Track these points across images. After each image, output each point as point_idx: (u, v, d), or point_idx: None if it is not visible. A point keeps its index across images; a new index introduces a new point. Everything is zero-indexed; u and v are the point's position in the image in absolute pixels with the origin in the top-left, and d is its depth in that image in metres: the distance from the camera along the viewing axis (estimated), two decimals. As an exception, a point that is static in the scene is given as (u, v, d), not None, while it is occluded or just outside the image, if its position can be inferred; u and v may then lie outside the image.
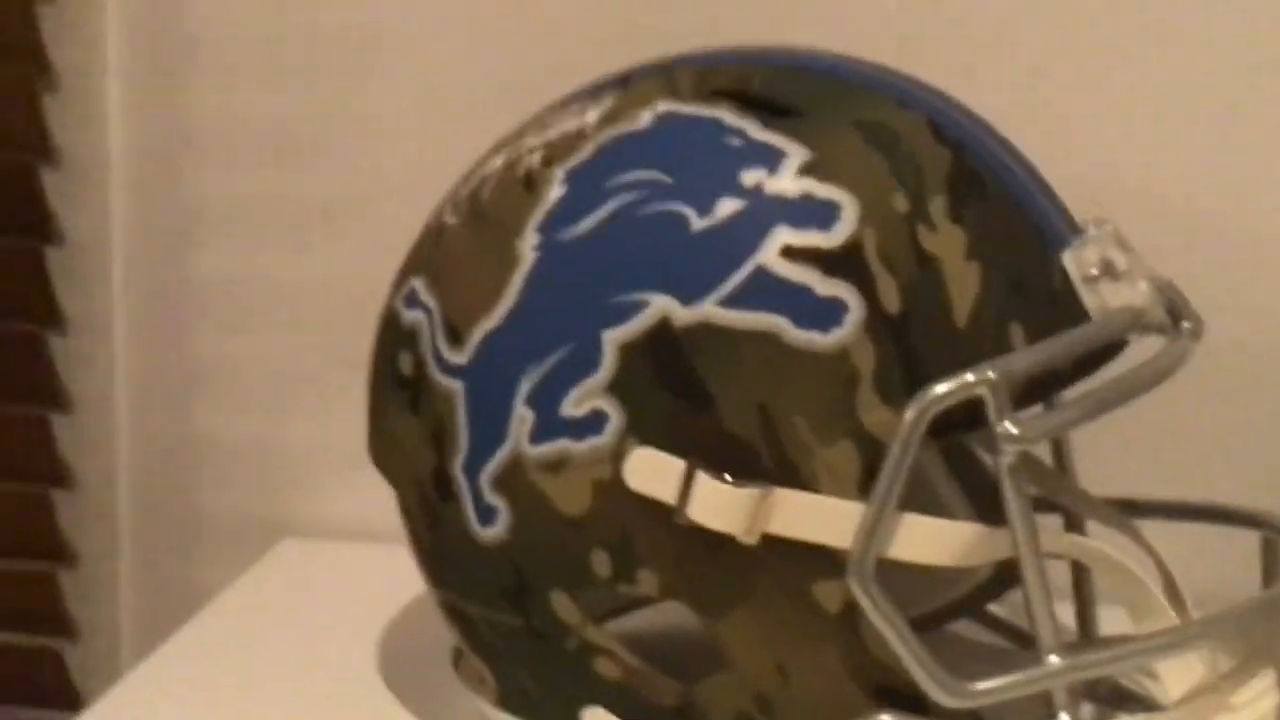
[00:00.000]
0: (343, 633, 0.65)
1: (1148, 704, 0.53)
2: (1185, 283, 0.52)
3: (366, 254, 0.58)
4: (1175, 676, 0.48)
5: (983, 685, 0.45)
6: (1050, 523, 0.58)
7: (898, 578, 0.51)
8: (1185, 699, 0.48)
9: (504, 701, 0.53)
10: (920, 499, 0.51)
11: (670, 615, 0.55)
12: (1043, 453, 0.61)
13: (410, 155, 0.73)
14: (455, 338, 0.51)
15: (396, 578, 0.58)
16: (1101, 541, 0.56)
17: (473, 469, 0.50)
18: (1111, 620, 0.56)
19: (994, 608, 0.63)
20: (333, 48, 0.75)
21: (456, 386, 0.50)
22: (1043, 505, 0.60)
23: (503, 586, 0.50)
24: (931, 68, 0.52)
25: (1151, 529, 0.56)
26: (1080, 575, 0.61)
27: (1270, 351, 0.69)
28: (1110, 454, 0.61)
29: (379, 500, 0.56)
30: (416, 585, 0.55)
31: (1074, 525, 0.60)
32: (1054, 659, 0.45)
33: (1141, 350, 0.51)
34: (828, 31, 0.56)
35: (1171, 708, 0.48)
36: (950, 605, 0.63)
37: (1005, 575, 0.57)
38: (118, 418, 0.79)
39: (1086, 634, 0.59)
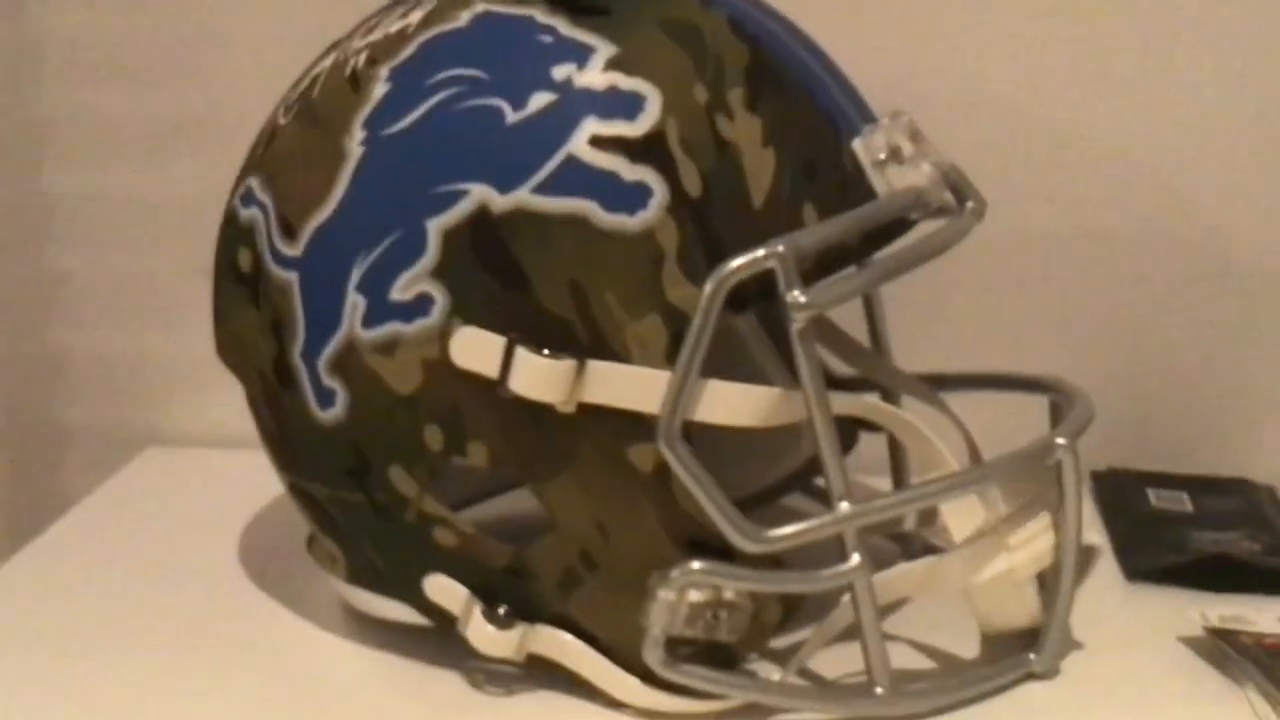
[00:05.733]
0: (204, 530, 0.68)
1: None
2: (988, 174, 0.56)
3: (217, 167, 0.60)
4: (959, 522, 0.53)
5: (780, 531, 0.50)
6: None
7: (731, 455, 0.56)
8: (967, 541, 0.53)
9: (353, 576, 0.57)
10: (741, 369, 0.55)
11: (510, 500, 0.59)
12: (862, 337, 0.66)
13: (257, 70, 0.73)
14: (289, 231, 0.53)
15: (257, 479, 0.60)
16: (907, 410, 0.61)
17: (310, 355, 0.53)
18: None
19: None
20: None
21: (292, 277, 0.53)
22: (861, 384, 0.66)
23: (344, 465, 0.53)
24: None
25: (959, 400, 0.62)
26: (895, 448, 0.66)
27: (1067, 240, 0.74)
28: (922, 335, 0.66)
29: (241, 405, 0.58)
30: (276, 485, 0.58)
31: (890, 400, 0.65)
32: (844, 505, 0.50)
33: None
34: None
35: (954, 549, 0.53)
36: (783, 480, 0.68)
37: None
38: (-27, 336, 0.80)
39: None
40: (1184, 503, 0.71)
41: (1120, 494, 0.72)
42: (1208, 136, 0.73)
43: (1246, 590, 0.62)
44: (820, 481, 0.66)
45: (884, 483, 0.66)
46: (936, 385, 0.62)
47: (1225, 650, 0.56)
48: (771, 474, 0.68)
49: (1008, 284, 0.74)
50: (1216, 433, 0.76)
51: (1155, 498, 0.72)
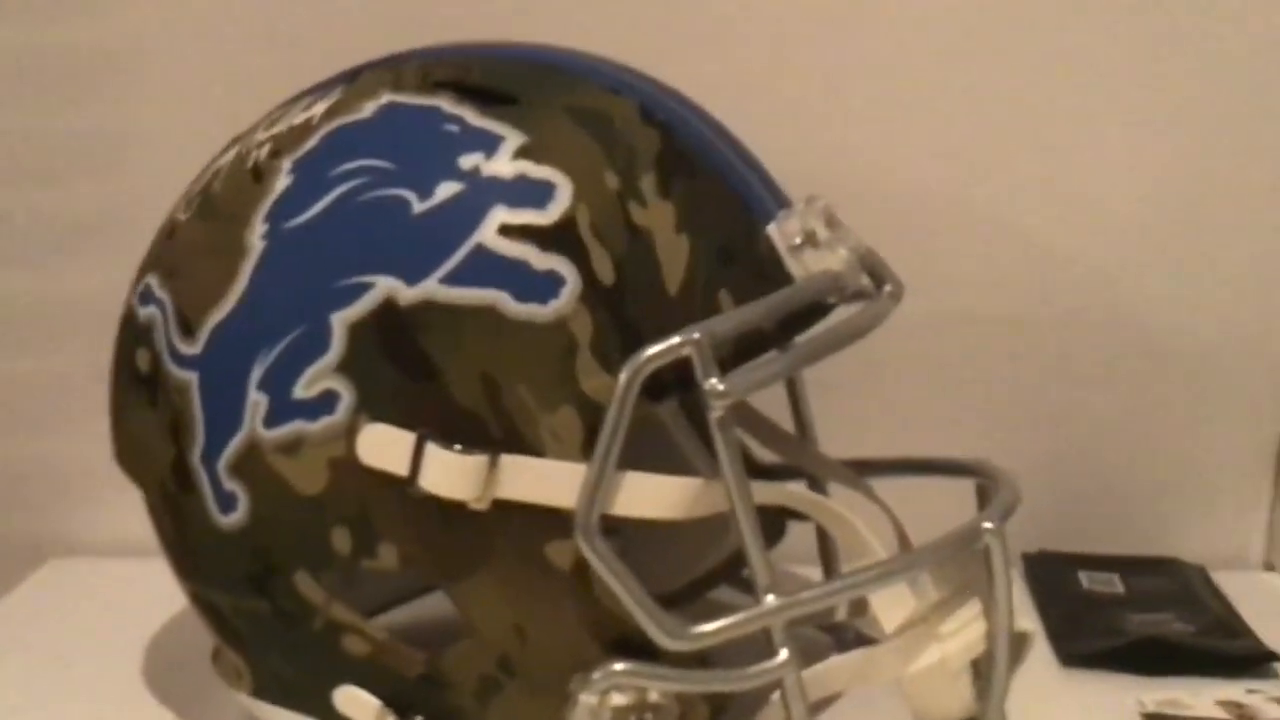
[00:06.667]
0: (107, 646, 0.65)
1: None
2: (911, 260, 0.56)
3: (118, 267, 0.58)
4: (888, 611, 0.52)
5: (705, 628, 0.48)
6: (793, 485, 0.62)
7: (655, 549, 0.54)
8: (898, 631, 0.51)
9: (260, 690, 0.54)
10: (666, 459, 0.53)
11: (424, 604, 0.57)
12: (788, 424, 0.65)
13: (163, 170, 0.72)
14: (188, 329, 0.51)
15: (164, 590, 0.58)
16: (832, 497, 0.60)
17: (210, 457, 0.51)
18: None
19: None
20: (86, 66, 0.74)
21: (191, 377, 0.51)
22: (789, 472, 0.65)
23: (248, 572, 0.51)
24: (680, 71, 0.55)
25: (886, 486, 0.61)
26: (824, 537, 0.65)
27: (990, 323, 0.74)
28: (847, 420, 0.66)
29: (144, 513, 0.55)
30: (181, 597, 0.55)
31: (816, 487, 0.64)
32: (770, 598, 0.48)
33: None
34: (569, 29, 0.58)
35: (885, 640, 0.52)
36: (710, 573, 0.66)
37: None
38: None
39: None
40: (1115, 584, 0.71)
41: (1052, 576, 0.71)
42: (1131, 221, 0.74)
43: (1181, 672, 0.61)
44: (748, 573, 0.66)
45: (815, 572, 0.64)
46: (862, 471, 0.61)
47: (1164, 736, 0.55)
48: (698, 567, 0.66)
49: (932, 368, 0.74)
50: (1143, 513, 0.76)
51: (1087, 580, 0.71)
